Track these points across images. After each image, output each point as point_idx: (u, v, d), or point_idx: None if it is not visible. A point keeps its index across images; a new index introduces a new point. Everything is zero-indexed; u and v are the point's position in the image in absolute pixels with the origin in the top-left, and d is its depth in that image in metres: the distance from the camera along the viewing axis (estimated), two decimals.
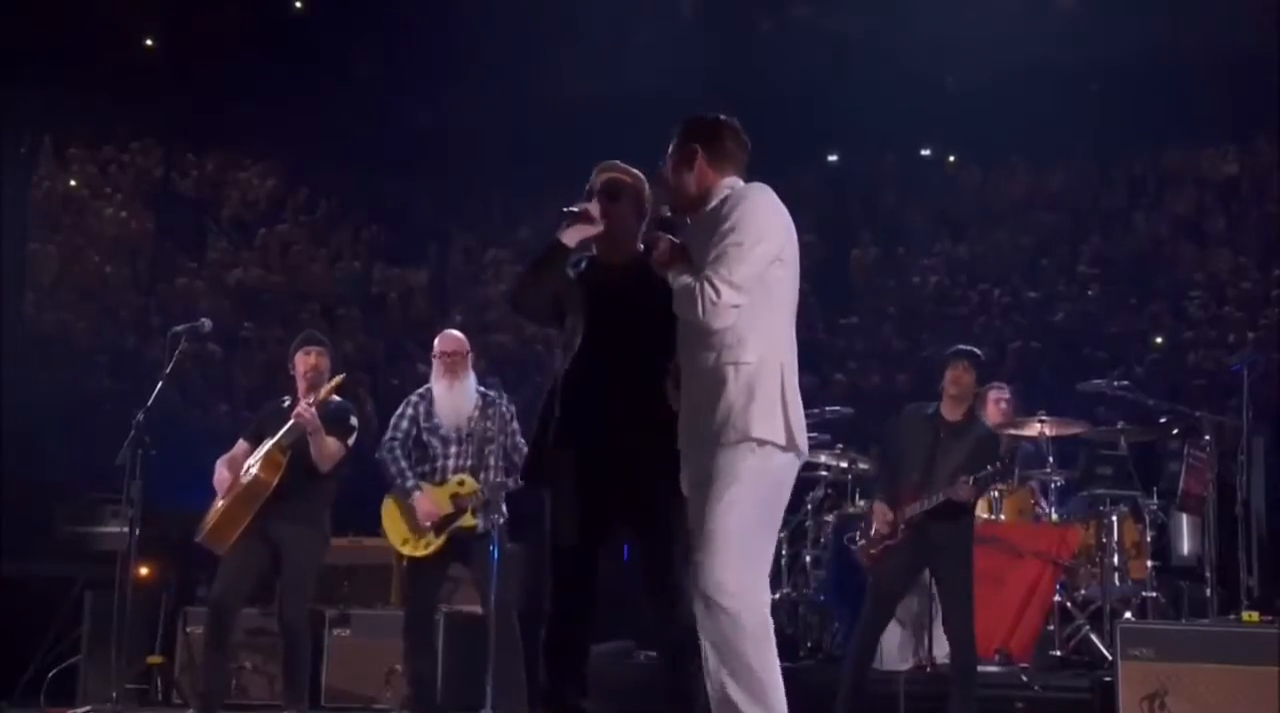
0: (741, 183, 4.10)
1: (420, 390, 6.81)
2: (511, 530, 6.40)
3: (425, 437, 6.65)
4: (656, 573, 4.25)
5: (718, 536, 3.81)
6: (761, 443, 3.87)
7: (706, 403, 3.90)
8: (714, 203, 4.05)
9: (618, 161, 4.54)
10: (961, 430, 6.27)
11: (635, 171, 4.53)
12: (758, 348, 3.92)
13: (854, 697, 6.19)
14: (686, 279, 3.90)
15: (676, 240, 4.05)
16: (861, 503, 7.66)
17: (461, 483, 6.53)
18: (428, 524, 6.48)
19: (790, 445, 3.91)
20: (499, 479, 6.41)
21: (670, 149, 4.16)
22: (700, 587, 3.80)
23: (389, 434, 6.72)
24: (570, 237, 4.28)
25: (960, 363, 6.29)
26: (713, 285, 3.84)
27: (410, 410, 6.72)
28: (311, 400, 6.44)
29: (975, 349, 6.51)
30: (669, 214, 4.18)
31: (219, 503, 6.56)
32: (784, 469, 3.95)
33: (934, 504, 6.15)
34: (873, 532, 6.40)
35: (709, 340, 3.92)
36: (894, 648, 7.28)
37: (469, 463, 6.57)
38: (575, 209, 4.32)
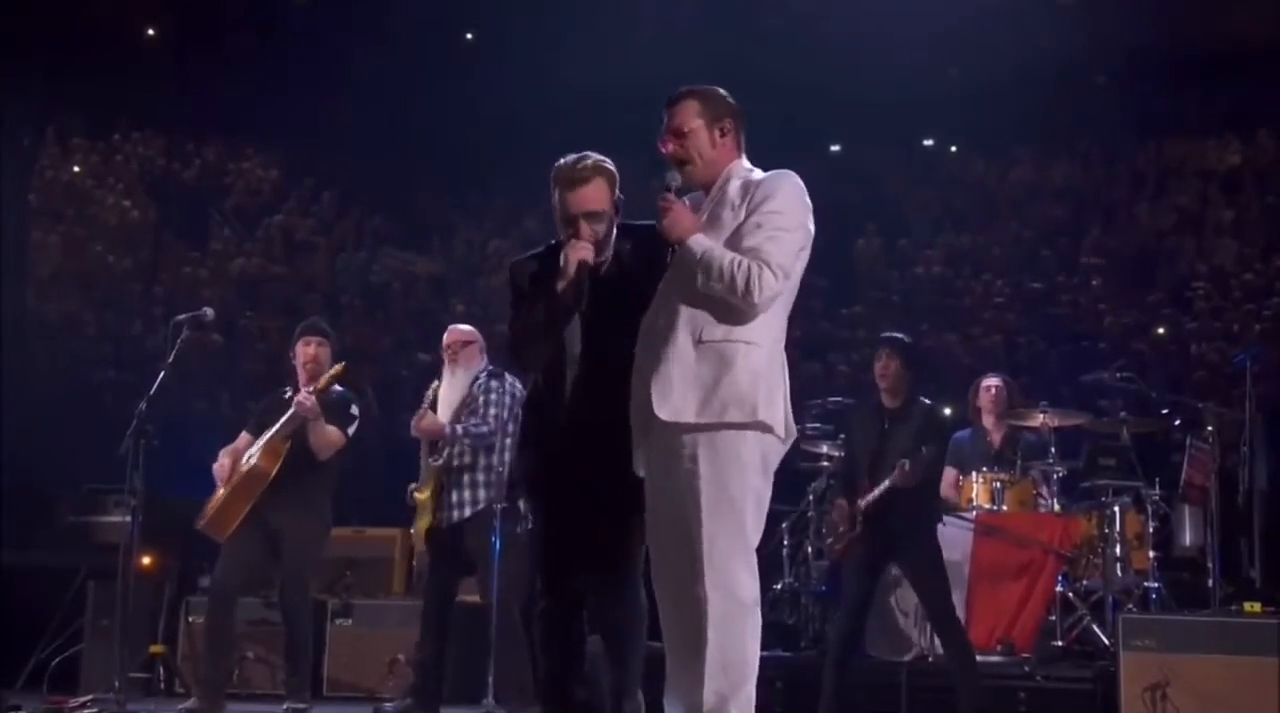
0: (750, 167, 4.05)
1: None
2: (508, 496, 6.41)
3: None
4: (609, 552, 4.21)
5: (730, 522, 3.78)
6: (766, 427, 3.84)
7: (705, 379, 3.81)
8: (733, 182, 3.98)
9: (579, 164, 4.16)
10: (904, 414, 6.26)
11: (593, 162, 4.18)
12: (769, 333, 3.89)
13: (836, 695, 6.17)
14: (723, 255, 3.80)
15: (688, 207, 3.94)
16: None
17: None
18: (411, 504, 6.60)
19: (787, 435, 3.91)
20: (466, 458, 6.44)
21: (697, 118, 3.99)
22: (705, 573, 3.74)
23: None
24: (569, 288, 4.06)
25: (883, 352, 6.30)
26: (768, 269, 3.78)
27: None
28: (312, 389, 6.45)
29: (899, 336, 6.47)
30: (679, 184, 3.97)
31: (220, 491, 6.58)
32: (778, 455, 3.94)
33: (881, 492, 6.14)
34: (839, 529, 6.44)
35: (722, 317, 3.84)
36: (896, 638, 7.29)
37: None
38: (571, 264, 4.05)
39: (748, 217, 3.87)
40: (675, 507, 3.83)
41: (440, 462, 6.47)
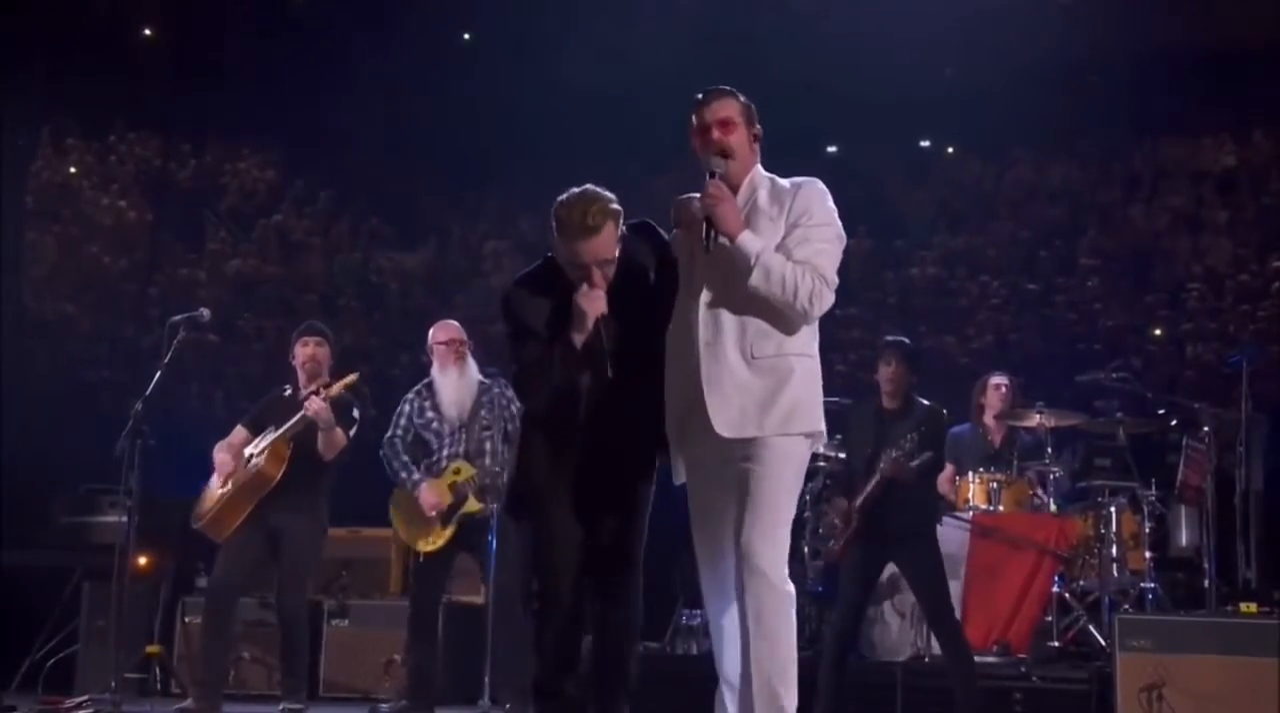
0: (767, 173, 4.10)
1: (417, 387, 6.84)
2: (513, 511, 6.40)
3: (420, 433, 6.70)
4: (611, 553, 4.24)
5: (777, 520, 3.90)
6: (818, 437, 3.98)
7: (762, 394, 3.87)
8: (760, 189, 4.03)
9: (589, 212, 3.99)
10: (902, 415, 6.26)
11: (599, 207, 4.03)
12: (814, 342, 3.99)
13: (833, 695, 6.15)
14: (783, 262, 3.84)
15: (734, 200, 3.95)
16: None
17: (458, 470, 6.56)
18: (433, 514, 6.51)
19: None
20: (495, 466, 6.44)
21: (740, 116, 4.04)
22: (756, 562, 3.90)
23: (389, 432, 6.76)
24: (580, 334, 4.04)
25: (891, 356, 6.31)
26: (825, 282, 3.86)
27: (406, 407, 6.77)
28: (322, 394, 6.45)
29: (904, 339, 6.48)
30: (724, 172, 3.97)
31: (216, 490, 6.56)
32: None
33: (874, 486, 6.14)
34: (837, 528, 6.44)
35: (771, 330, 3.90)
36: (891, 639, 7.29)
37: (463, 450, 6.62)
38: (590, 317, 4.01)
39: (790, 229, 3.92)
40: (725, 506, 3.94)
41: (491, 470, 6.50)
